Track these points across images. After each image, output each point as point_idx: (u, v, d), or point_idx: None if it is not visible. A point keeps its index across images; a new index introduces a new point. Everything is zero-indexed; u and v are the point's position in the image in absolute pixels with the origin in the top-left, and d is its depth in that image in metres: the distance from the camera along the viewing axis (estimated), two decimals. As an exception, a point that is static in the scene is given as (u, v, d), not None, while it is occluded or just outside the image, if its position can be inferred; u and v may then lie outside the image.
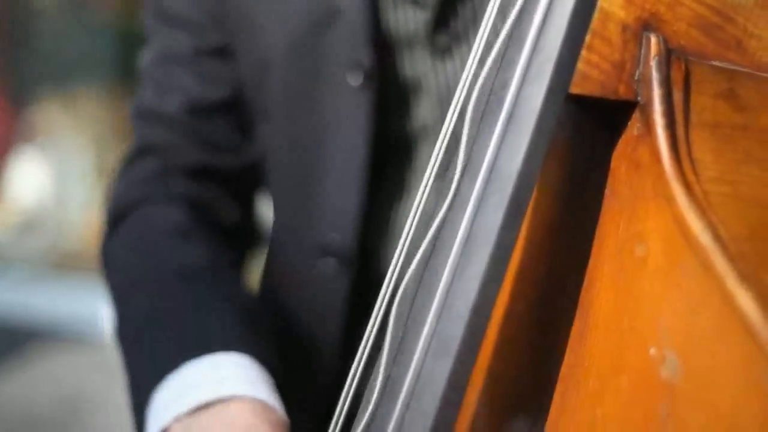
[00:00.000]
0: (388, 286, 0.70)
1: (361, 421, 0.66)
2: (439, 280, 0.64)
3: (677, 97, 0.66)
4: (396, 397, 0.64)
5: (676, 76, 0.66)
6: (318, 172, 0.98)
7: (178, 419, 0.84)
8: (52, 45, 3.72)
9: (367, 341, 0.70)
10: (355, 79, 0.95)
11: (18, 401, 2.91)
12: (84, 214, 3.62)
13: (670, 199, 0.63)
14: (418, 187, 0.96)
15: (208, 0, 1.02)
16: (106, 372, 3.07)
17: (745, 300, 0.57)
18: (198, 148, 1.04)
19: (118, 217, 1.04)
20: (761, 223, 0.64)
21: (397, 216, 0.98)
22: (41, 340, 3.24)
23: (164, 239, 1.00)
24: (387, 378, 0.66)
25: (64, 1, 3.70)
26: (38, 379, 3.01)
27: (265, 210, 1.13)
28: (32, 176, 3.70)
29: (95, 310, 3.33)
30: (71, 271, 3.50)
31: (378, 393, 0.66)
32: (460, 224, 0.64)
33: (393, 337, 0.66)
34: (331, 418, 0.96)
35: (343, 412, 0.71)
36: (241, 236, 1.07)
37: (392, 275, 0.70)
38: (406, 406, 0.63)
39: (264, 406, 0.83)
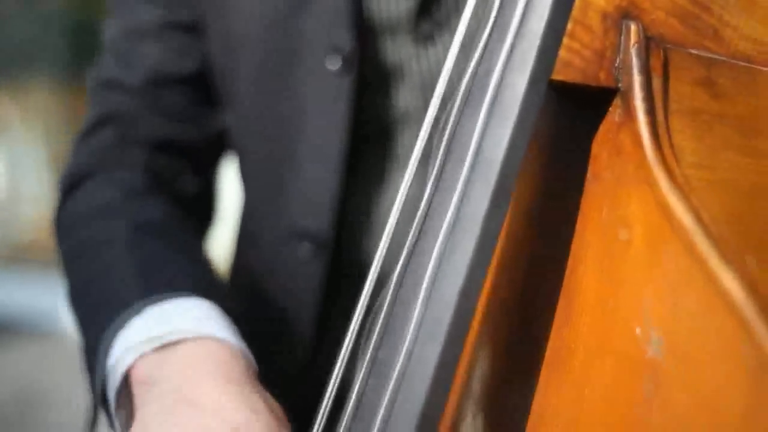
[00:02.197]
0: (374, 271, 0.71)
1: (350, 402, 0.67)
2: (427, 265, 0.65)
3: (657, 84, 0.67)
4: (386, 380, 0.65)
5: (656, 63, 0.68)
6: (293, 157, 0.98)
7: (144, 356, 0.82)
8: (0, 34, 3.69)
9: (355, 326, 0.70)
10: (333, 64, 0.95)
11: (-28, 395, 2.89)
12: (37, 207, 3.59)
13: (652, 184, 0.64)
14: (398, 173, 0.99)
15: None
16: (62, 364, 3.06)
17: (729, 280, 0.58)
18: (159, 120, 1.03)
19: (73, 184, 1.02)
20: (739, 206, 0.66)
21: (376, 201, 0.98)
22: (-5, 334, 3.22)
23: (120, 200, 0.98)
24: (374, 360, 0.67)
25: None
26: (-7, 371, 3.00)
27: (224, 187, 1.13)
28: (-17, 169, 3.67)
29: (49, 302, 3.32)
30: (24, 264, 3.48)
31: (365, 375, 0.67)
32: (446, 210, 0.66)
33: (381, 321, 0.67)
34: (304, 402, 0.97)
35: (331, 396, 0.72)
36: (200, 211, 1.06)
37: (378, 260, 0.71)
38: (397, 388, 0.64)
39: (234, 348, 0.82)
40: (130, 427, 0.82)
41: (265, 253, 1.02)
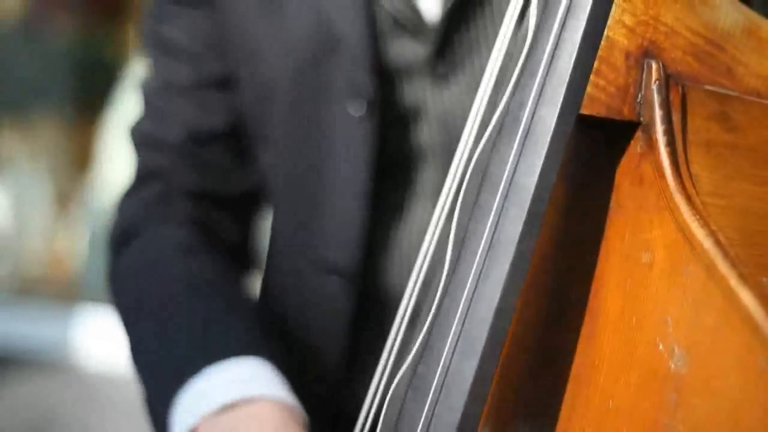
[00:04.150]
0: (410, 295, 0.75)
1: (390, 414, 0.72)
2: (465, 286, 0.70)
3: (676, 118, 0.73)
4: (425, 393, 0.70)
5: (675, 99, 0.73)
6: (321, 196, 1.03)
7: (205, 419, 0.88)
8: (5, 69, 3.73)
9: (392, 346, 0.75)
10: (356, 109, 1.00)
11: (-19, 427, 2.92)
12: (44, 241, 3.63)
13: (673, 211, 0.69)
14: (419, 206, 1.04)
15: (207, 31, 1.06)
16: (69, 395, 3.09)
17: (747, 297, 0.63)
18: (199, 174, 1.08)
19: (123, 239, 1.08)
20: (753, 230, 0.71)
21: (399, 233, 1.03)
22: (4, 366, 3.25)
23: (171, 256, 1.04)
24: (414, 375, 0.71)
25: (18, 24, 3.72)
26: (2, 405, 3.02)
27: (262, 234, 1.18)
28: (-10, 204, 3.71)
29: (58, 335, 3.35)
30: (33, 298, 3.52)
31: (405, 389, 0.71)
32: (482, 234, 0.70)
33: (420, 339, 0.72)
34: (334, 425, 1.01)
35: (370, 413, 0.76)
36: (241, 258, 1.11)
37: (413, 285, 0.75)
38: (436, 401, 0.69)
39: (287, 404, 0.88)
40: None
41: (294, 286, 1.07)
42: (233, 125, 1.08)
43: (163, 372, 0.95)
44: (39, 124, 3.72)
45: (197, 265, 1.03)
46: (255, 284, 1.14)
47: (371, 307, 1.03)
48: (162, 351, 0.97)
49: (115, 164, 3.36)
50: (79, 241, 3.55)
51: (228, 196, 1.09)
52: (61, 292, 3.49)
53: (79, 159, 3.66)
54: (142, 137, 1.10)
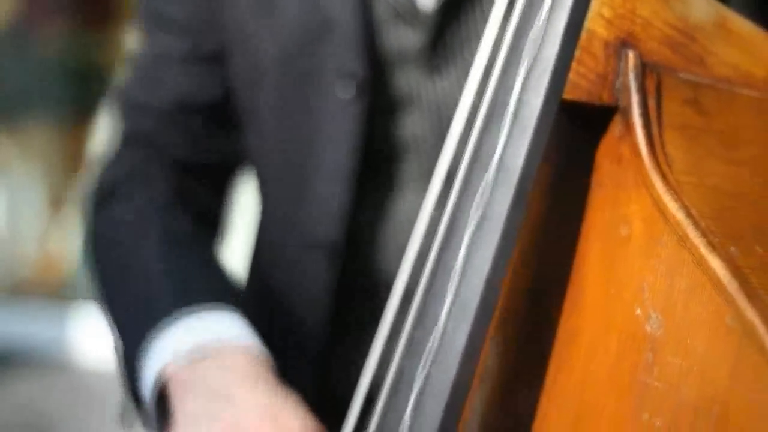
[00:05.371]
0: (405, 269, 0.81)
1: (388, 376, 0.77)
2: (456, 258, 0.76)
3: (651, 103, 0.78)
4: (421, 355, 0.75)
5: (650, 85, 0.79)
6: (308, 175, 1.07)
7: (176, 361, 0.93)
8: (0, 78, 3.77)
9: (388, 321, 0.81)
10: (346, 91, 1.03)
11: (-23, 426, 2.96)
12: (38, 244, 3.68)
13: (649, 187, 0.75)
14: (407, 191, 1.08)
15: (203, 9, 1.10)
16: (65, 394, 3.14)
17: (715, 263, 0.69)
18: (184, 141, 1.12)
19: (105, 194, 1.11)
20: (722, 206, 0.77)
21: (387, 215, 1.07)
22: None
23: (148, 215, 1.08)
24: (411, 340, 0.77)
25: (9, 31, 3.76)
26: (-2, 404, 3.07)
27: (236, 204, 1.22)
28: (-16, 208, 3.75)
29: (52, 335, 3.39)
30: (27, 299, 3.56)
31: (402, 354, 0.77)
32: (473, 210, 0.76)
33: (416, 307, 0.78)
34: (321, 398, 1.06)
35: (366, 387, 0.82)
36: (214, 225, 1.16)
37: (408, 262, 0.81)
38: (432, 361, 0.75)
39: (255, 350, 0.93)
40: (169, 427, 0.92)
41: (282, 261, 1.11)
42: (220, 99, 1.11)
43: (137, 320, 0.99)
44: (31, 129, 3.77)
45: (174, 223, 1.07)
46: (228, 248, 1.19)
47: (355, 285, 1.07)
48: (137, 299, 1.00)
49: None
50: (72, 243, 3.59)
51: (207, 166, 1.13)
52: (55, 293, 3.54)
53: (72, 162, 3.70)
54: (130, 102, 1.13)
